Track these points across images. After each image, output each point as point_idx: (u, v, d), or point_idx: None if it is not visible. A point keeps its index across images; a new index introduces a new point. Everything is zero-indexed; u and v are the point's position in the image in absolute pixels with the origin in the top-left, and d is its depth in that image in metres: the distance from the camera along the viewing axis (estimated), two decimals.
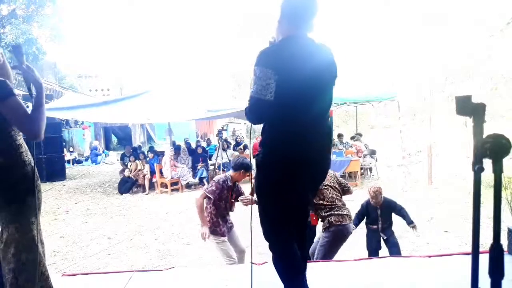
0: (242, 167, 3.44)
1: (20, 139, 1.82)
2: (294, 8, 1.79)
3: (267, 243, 1.90)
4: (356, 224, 3.95)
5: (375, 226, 4.00)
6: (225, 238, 3.46)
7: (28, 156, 1.80)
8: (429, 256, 2.90)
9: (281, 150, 1.77)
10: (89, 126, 17.63)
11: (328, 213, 3.29)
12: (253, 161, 1.95)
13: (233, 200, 3.55)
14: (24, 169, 1.76)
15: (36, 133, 1.68)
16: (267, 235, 1.89)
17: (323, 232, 3.36)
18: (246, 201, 3.31)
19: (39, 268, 1.76)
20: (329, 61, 1.85)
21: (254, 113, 1.78)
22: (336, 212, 3.28)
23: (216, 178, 3.54)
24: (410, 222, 3.94)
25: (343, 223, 3.28)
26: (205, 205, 3.48)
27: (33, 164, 1.82)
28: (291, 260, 1.85)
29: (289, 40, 1.77)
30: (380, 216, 3.99)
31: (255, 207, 1.98)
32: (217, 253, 3.53)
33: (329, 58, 1.86)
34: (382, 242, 4.01)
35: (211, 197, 3.37)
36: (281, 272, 1.87)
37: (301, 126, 1.74)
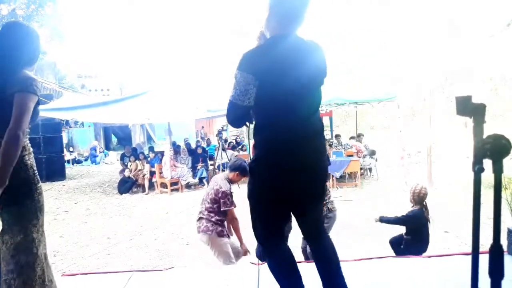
0: (237, 169, 3.38)
1: (26, 140, 1.76)
2: (282, 5, 1.69)
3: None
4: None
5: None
6: (229, 240, 3.45)
7: (30, 160, 1.77)
8: (429, 256, 2.90)
9: (265, 157, 1.73)
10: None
11: None
12: None
13: None
14: (26, 173, 1.73)
15: (14, 135, 1.60)
16: (257, 238, 1.91)
17: None
18: None
19: (36, 271, 1.75)
20: (318, 61, 1.75)
21: (231, 117, 1.74)
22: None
23: (224, 188, 3.32)
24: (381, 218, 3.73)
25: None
26: (210, 211, 3.37)
27: (35, 168, 1.79)
28: (281, 261, 1.88)
29: (275, 41, 1.69)
30: None
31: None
32: (218, 257, 3.39)
33: (318, 57, 1.76)
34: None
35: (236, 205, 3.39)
36: (274, 273, 1.89)
37: (285, 130, 1.68)
